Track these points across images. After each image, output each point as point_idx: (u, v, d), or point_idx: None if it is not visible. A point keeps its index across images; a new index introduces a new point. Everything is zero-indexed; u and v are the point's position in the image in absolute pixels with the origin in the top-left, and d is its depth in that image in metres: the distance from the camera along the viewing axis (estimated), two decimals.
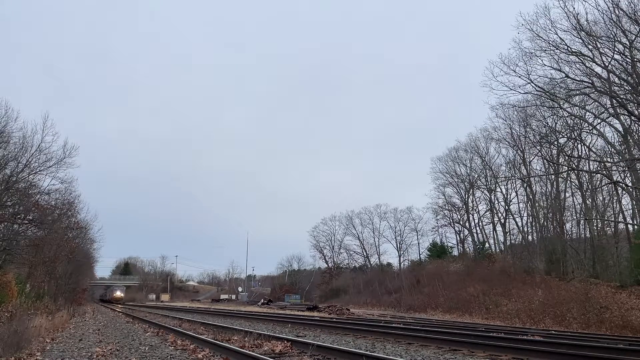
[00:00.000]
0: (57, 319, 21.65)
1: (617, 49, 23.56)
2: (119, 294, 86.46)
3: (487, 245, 54.52)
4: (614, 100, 25.67)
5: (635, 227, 33.58)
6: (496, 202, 51.94)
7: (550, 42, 24.26)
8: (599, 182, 34.35)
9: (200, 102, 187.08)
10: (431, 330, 17.15)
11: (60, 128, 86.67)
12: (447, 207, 58.66)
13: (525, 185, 44.88)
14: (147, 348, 11.83)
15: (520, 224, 48.28)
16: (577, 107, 30.00)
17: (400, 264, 68.76)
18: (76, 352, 11.13)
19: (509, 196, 49.55)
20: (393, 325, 20.19)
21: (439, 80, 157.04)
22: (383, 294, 56.75)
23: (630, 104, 24.94)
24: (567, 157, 36.80)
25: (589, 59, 24.48)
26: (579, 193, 38.82)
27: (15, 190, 26.82)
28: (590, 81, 25.14)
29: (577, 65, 25.08)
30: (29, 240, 30.57)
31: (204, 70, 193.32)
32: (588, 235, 37.95)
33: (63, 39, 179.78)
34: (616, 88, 24.92)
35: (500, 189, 50.57)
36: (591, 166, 33.30)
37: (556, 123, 34.19)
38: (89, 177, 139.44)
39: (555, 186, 40.94)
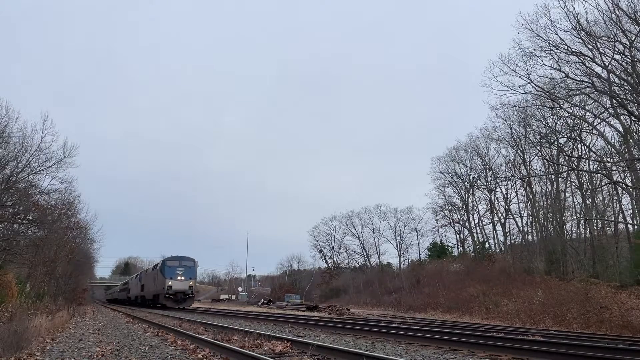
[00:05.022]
0: (57, 319, 21.61)
1: (617, 49, 23.58)
2: (181, 279, 38.73)
3: (487, 245, 54.61)
4: (614, 100, 25.67)
5: (635, 227, 33.56)
6: (496, 202, 52.07)
7: (550, 42, 24.31)
8: (599, 182, 34.34)
9: (200, 103, 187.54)
10: (431, 330, 17.13)
11: (60, 128, 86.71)
12: (447, 207, 58.81)
13: (525, 185, 44.90)
14: (147, 348, 11.81)
15: (520, 224, 48.39)
16: (577, 107, 30.02)
17: (400, 264, 68.93)
18: (76, 352, 11.12)
19: (509, 196, 49.69)
20: (393, 325, 20.17)
21: (439, 80, 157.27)
22: (383, 294, 56.76)
23: (630, 104, 24.94)
24: (567, 157, 36.79)
25: (589, 59, 24.51)
26: (579, 193, 38.88)
27: (15, 190, 26.82)
28: (590, 81, 25.15)
29: (577, 65, 25.14)
30: (29, 240, 30.56)
31: (204, 71, 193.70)
32: (588, 235, 37.98)
33: (64, 40, 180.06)
34: (616, 88, 24.92)
35: (500, 189, 50.69)
36: (591, 166, 33.31)
37: (556, 123, 34.24)
38: (90, 177, 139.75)
39: (555, 186, 40.95)
